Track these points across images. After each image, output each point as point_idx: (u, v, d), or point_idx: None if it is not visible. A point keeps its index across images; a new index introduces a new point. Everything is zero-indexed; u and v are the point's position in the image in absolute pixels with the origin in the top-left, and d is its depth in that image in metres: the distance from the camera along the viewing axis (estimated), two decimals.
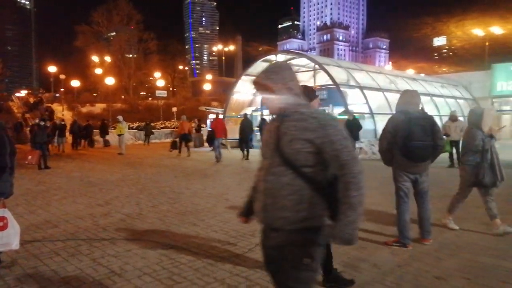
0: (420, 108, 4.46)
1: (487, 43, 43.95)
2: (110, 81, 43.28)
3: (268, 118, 17.87)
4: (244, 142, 14.46)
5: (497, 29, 43.96)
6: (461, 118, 13.62)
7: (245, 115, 15.51)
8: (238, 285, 3.36)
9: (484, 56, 42.24)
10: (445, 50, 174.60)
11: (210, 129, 16.03)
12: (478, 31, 46.14)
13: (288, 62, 20.22)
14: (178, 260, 3.96)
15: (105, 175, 10.48)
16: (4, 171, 3.85)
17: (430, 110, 19.19)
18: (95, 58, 56.56)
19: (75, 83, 43.90)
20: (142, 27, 64.70)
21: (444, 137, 11.72)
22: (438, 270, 3.66)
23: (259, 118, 19.23)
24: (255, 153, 12.38)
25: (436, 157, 4.36)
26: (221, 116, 16.22)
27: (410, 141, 4.12)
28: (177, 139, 16.38)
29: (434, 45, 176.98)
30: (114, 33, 70.48)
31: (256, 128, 19.15)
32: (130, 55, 65.87)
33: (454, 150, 11.45)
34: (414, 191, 4.42)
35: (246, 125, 14.45)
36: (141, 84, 71.93)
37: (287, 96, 1.89)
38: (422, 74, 39.75)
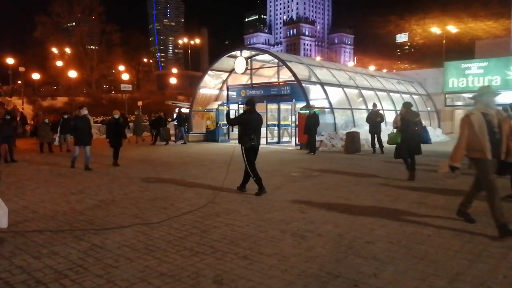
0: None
1: (444, 41, 46.22)
2: (72, 74, 42.30)
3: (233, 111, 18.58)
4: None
5: (452, 28, 46.36)
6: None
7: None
8: (204, 251, 4.01)
9: (441, 53, 44.46)
10: (407, 47, 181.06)
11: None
12: (436, 29, 48.51)
13: (252, 57, 20.88)
14: (152, 235, 4.56)
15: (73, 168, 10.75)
16: None
17: (386, 105, 20.48)
18: (55, 50, 54.80)
19: (35, 75, 42.41)
20: (104, 18, 63.41)
21: (395, 130, 12.90)
22: (369, 237, 4.45)
23: (225, 112, 19.85)
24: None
25: None
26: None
27: None
28: None
29: (396, 41, 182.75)
30: (74, 24, 68.40)
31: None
32: (92, 47, 64.36)
33: None
34: None
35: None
36: (103, 77, 70.47)
37: None
38: (384, 70, 41.51)
